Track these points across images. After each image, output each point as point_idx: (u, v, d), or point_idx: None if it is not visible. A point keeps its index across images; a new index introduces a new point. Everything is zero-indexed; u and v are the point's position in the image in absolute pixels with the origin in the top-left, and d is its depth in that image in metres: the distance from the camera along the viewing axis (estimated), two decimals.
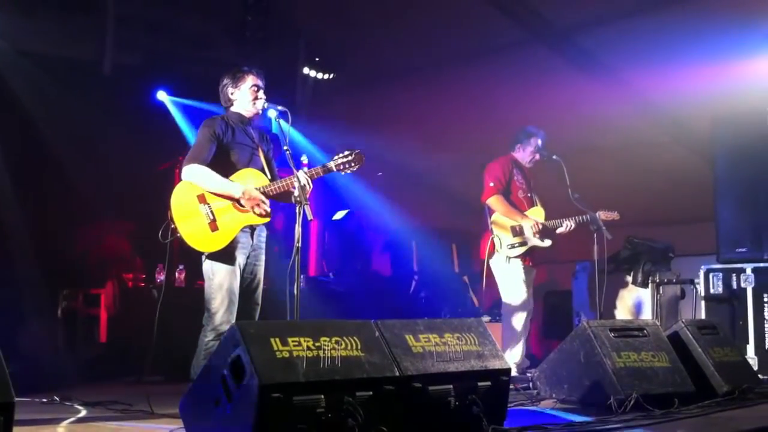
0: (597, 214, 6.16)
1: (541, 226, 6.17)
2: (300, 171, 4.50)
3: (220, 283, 4.47)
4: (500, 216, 6.23)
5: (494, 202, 6.23)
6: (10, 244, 6.06)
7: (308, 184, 4.48)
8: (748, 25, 7.08)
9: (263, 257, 4.76)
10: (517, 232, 6.21)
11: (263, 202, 4.52)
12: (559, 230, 6.23)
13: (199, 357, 4.43)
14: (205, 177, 4.49)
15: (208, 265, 4.50)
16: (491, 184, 6.26)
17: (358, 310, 7.71)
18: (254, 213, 4.51)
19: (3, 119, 6.10)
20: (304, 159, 8.35)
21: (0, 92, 6.12)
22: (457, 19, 8.12)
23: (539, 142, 6.43)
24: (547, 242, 6.22)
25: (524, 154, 6.45)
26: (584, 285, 7.26)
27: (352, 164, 4.64)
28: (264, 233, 4.76)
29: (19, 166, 6.26)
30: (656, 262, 7.19)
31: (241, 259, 4.55)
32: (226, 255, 4.48)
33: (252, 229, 4.64)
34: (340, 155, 4.65)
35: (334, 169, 4.64)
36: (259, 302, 4.72)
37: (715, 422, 4.08)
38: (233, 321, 4.40)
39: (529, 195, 6.39)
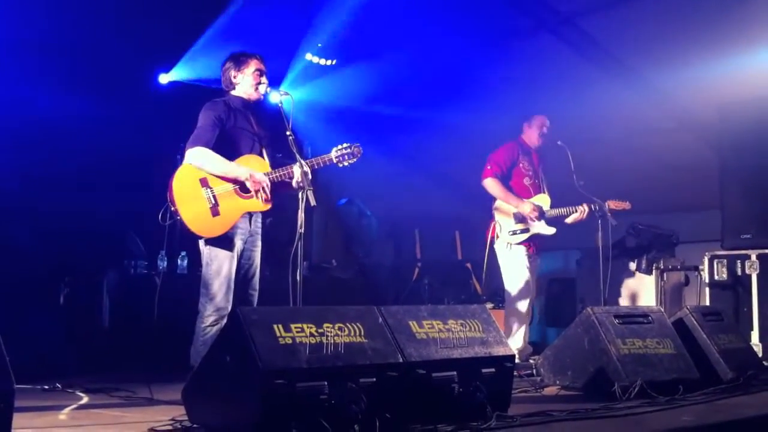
0: (606, 203, 6.13)
1: (538, 211, 6.13)
2: (301, 159, 4.48)
3: (218, 268, 4.45)
4: (502, 202, 6.23)
5: (490, 183, 6.24)
6: (10, 230, 6.03)
7: (308, 173, 4.46)
8: (756, 11, 7.03)
9: (260, 243, 4.75)
10: (520, 218, 6.19)
11: (267, 186, 4.50)
12: (570, 218, 6.20)
13: (197, 344, 4.42)
14: (210, 160, 4.46)
15: (206, 250, 4.49)
16: (489, 167, 6.29)
17: (361, 297, 7.68)
18: (256, 197, 4.49)
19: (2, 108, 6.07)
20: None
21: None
22: (461, 7, 8.07)
23: (545, 120, 6.40)
24: (552, 230, 6.21)
25: (532, 133, 6.42)
26: (588, 272, 7.23)
27: (351, 157, 4.66)
28: (260, 219, 4.74)
29: (19, 153, 6.23)
30: (660, 248, 7.16)
31: (239, 244, 4.54)
32: (225, 240, 4.47)
33: (250, 214, 4.62)
34: (339, 147, 4.66)
35: (334, 161, 4.64)
36: (257, 288, 4.70)
37: (719, 409, 4.06)
38: (230, 307, 4.38)
39: (536, 181, 6.37)
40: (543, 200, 6.28)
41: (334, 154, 4.65)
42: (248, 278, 4.65)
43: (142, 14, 7.09)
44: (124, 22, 7.05)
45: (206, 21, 7.50)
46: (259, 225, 4.72)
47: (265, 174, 4.54)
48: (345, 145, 4.66)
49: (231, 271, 4.48)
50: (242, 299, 4.56)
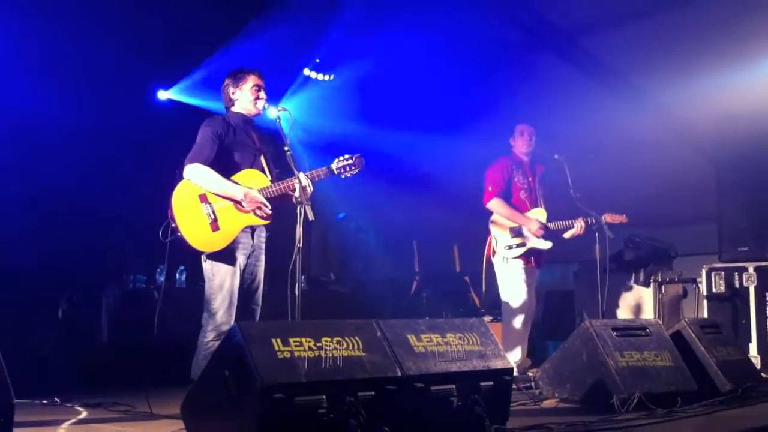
0: (603, 216, 6.13)
1: (543, 228, 6.14)
2: (300, 173, 4.50)
3: (221, 283, 4.46)
4: (498, 216, 6.24)
5: (495, 205, 6.24)
6: (10, 244, 6.04)
7: (309, 186, 4.48)
8: (753, 27, 7.07)
9: (263, 258, 4.74)
10: (516, 233, 6.20)
11: (265, 205, 4.52)
12: (567, 234, 6.21)
13: (198, 357, 4.42)
14: (207, 177, 4.48)
15: (208, 266, 4.50)
16: (490, 188, 6.28)
17: (359, 311, 7.68)
18: (255, 215, 4.51)
19: (4, 121, 6.09)
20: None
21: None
22: (461, 22, 8.11)
23: (526, 126, 6.40)
24: (548, 244, 6.20)
25: (518, 143, 6.42)
26: (586, 284, 7.23)
27: (353, 168, 4.66)
28: (264, 233, 4.75)
29: (20, 167, 6.25)
30: (658, 261, 7.17)
31: (241, 259, 4.55)
32: (226, 255, 4.47)
33: (252, 229, 4.63)
34: (341, 158, 4.67)
35: (335, 172, 4.65)
36: (260, 303, 4.70)
37: (718, 421, 4.07)
38: (233, 322, 4.38)
39: (530, 195, 6.37)
40: (539, 214, 6.28)
41: (335, 165, 4.66)
42: (251, 292, 4.66)
43: (142, 30, 7.12)
44: (124, 38, 7.08)
45: (206, 38, 7.53)
46: (263, 240, 4.72)
47: (261, 190, 4.54)
48: (346, 156, 4.66)
49: (233, 286, 4.49)
50: (244, 313, 4.55)
